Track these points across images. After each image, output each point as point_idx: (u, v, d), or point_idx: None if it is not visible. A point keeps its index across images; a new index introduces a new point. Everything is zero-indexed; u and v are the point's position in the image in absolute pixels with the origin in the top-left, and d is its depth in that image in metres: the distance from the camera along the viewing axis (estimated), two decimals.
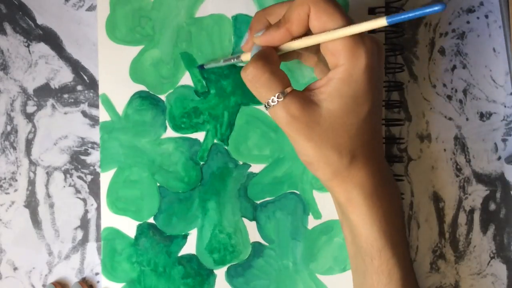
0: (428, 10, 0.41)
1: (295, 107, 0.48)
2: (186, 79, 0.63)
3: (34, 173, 0.65)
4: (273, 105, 0.48)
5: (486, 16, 0.64)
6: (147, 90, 0.63)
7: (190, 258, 0.63)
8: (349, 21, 0.47)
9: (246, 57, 0.55)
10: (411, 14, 0.43)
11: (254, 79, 0.48)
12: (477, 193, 0.65)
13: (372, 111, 0.49)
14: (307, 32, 0.49)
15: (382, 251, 0.51)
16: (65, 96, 0.65)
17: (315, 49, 0.54)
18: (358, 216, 0.51)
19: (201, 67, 0.62)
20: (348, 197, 0.51)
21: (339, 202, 0.52)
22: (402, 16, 0.43)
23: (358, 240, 0.52)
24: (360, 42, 0.47)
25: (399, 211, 0.54)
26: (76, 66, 0.65)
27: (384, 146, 0.62)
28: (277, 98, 0.48)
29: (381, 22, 0.44)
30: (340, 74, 0.47)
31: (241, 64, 0.62)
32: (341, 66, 0.47)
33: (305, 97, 0.48)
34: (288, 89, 0.48)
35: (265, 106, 0.49)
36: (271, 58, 0.49)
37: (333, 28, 0.47)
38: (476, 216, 0.65)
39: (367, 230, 0.51)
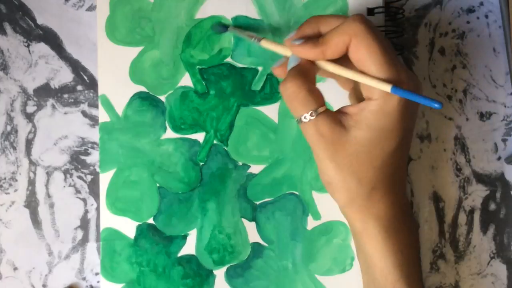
0: (428, 102, 0.46)
1: (325, 126, 0.49)
2: (186, 80, 0.63)
3: (34, 173, 0.65)
4: (305, 121, 0.49)
5: (486, 16, 0.64)
6: (146, 91, 0.63)
7: (189, 258, 0.63)
8: (388, 58, 0.47)
9: (266, 44, 0.56)
10: (412, 97, 0.46)
11: (292, 94, 0.49)
12: (477, 193, 0.65)
13: (399, 146, 0.49)
14: (343, 57, 0.50)
15: (396, 284, 0.51)
16: (65, 96, 0.65)
17: None
18: (373, 248, 0.51)
19: (224, 27, 0.62)
20: (364, 227, 0.51)
21: (354, 230, 0.52)
22: (405, 94, 0.46)
23: (372, 271, 0.52)
24: (397, 80, 0.47)
25: (415, 245, 0.54)
26: (76, 66, 0.65)
27: None
28: (310, 115, 0.49)
29: (387, 88, 0.46)
30: (372, 107, 0.48)
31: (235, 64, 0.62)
32: (374, 100, 0.48)
33: (335, 119, 0.49)
34: (321, 108, 0.49)
35: (296, 120, 0.50)
36: (310, 75, 0.50)
37: (368, 68, 0.48)
38: (476, 216, 0.65)
39: (382, 263, 0.51)
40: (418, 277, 0.53)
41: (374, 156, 0.49)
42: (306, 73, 0.50)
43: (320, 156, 0.50)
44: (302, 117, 0.49)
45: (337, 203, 0.52)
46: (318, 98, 0.49)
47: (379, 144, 0.48)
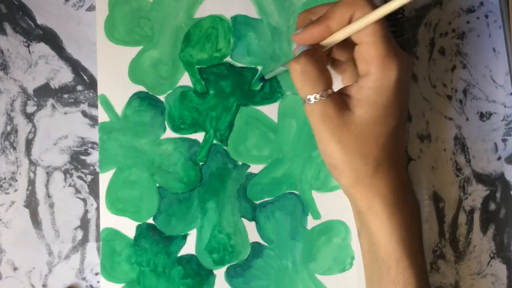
0: None
1: (332, 109, 0.49)
2: (185, 80, 0.63)
3: (34, 173, 0.65)
4: (312, 102, 0.49)
5: (486, 16, 0.64)
6: (146, 90, 0.63)
7: (189, 258, 0.63)
8: (388, 29, 0.48)
9: None
10: None
11: (304, 72, 0.49)
12: (477, 193, 0.65)
13: (400, 122, 0.50)
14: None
15: (399, 261, 0.51)
16: (65, 96, 0.65)
17: (345, 56, 0.55)
18: (378, 225, 0.51)
19: (262, 79, 0.63)
20: (369, 205, 0.51)
21: (359, 209, 0.52)
22: None
23: (376, 249, 0.52)
24: (393, 54, 0.47)
25: (418, 222, 0.54)
26: (76, 66, 0.65)
27: None
28: (320, 96, 0.49)
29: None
30: (371, 83, 0.48)
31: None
32: (372, 74, 0.48)
33: (341, 101, 0.49)
34: (330, 90, 0.49)
35: (303, 101, 0.50)
36: (322, 56, 0.50)
37: (373, 36, 0.47)
38: (476, 216, 0.65)
39: (386, 240, 0.51)
40: (421, 255, 0.53)
41: (378, 133, 0.49)
42: (318, 54, 0.50)
43: (326, 139, 0.50)
44: (311, 97, 0.49)
45: (342, 184, 0.51)
46: (328, 79, 0.49)
47: (382, 120, 0.49)
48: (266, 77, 0.62)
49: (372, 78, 0.48)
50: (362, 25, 0.47)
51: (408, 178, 0.53)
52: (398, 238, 0.51)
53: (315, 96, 0.49)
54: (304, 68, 0.48)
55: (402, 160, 0.52)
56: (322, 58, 0.50)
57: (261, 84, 0.63)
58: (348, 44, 0.50)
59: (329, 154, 0.50)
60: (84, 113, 0.65)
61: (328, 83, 0.49)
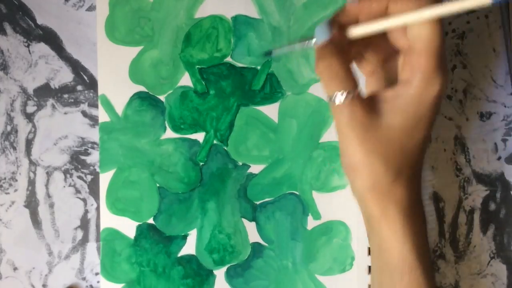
0: None
1: (360, 109, 0.47)
2: (186, 80, 0.63)
3: (34, 173, 0.65)
4: (340, 100, 0.47)
5: (486, 16, 0.64)
6: (146, 90, 0.63)
7: (189, 258, 0.63)
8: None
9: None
10: None
11: (332, 67, 0.47)
12: (477, 193, 0.65)
13: (426, 136, 0.49)
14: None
15: (413, 268, 0.51)
16: (65, 96, 0.65)
17: (378, 58, 0.53)
18: (391, 232, 0.50)
19: (269, 53, 0.60)
20: (383, 212, 0.50)
21: (371, 215, 0.51)
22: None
23: (388, 255, 0.51)
24: (441, 69, 0.46)
25: (426, 228, 0.54)
26: (76, 66, 0.65)
27: None
28: (347, 94, 0.47)
29: (485, 1, 0.42)
30: (412, 92, 0.47)
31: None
32: (414, 85, 0.46)
33: (369, 103, 0.48)
34: (357, 91, 0.47)
35: (328, 99, 0.48)
36: (349, 53, 0.49)
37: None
38: (476, 216, 0.65)
39: (400, 247, 0.50)
40: (430, 262, 0.53)
41: (404, 143, 0.48)
42: (346, 51, 0.48)
43: (350, 139, 0.48)
44: (339, 94, 0.47)
45: (357, 187, 0.50)
46: (355, 79, 0.48)
47: (410, 132, 0.48)
48: (274, 53, 0.59)
49: (413, 88, 0.46)
50: (419, 19, 0.45)
51: (421, 185, 0.53)
52: (411, 245, 0.50)
53: (342, 93, 0.47)
54: (334, 63, 0.47)
55: (420, 169, 0.52)
56: (349, 55, 0.49)
57: (264, 62, 0.63)
58: (388, 46, 0.49)
59: (350, 154, 0.49)
60: (84, 113, 0.65)
61: (355, 82, 0.48)
